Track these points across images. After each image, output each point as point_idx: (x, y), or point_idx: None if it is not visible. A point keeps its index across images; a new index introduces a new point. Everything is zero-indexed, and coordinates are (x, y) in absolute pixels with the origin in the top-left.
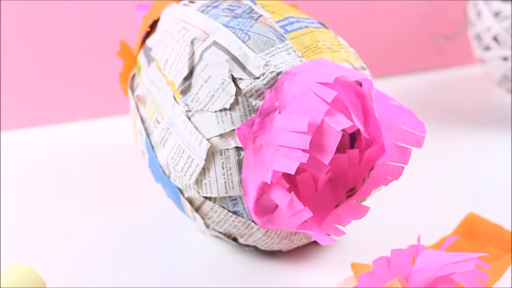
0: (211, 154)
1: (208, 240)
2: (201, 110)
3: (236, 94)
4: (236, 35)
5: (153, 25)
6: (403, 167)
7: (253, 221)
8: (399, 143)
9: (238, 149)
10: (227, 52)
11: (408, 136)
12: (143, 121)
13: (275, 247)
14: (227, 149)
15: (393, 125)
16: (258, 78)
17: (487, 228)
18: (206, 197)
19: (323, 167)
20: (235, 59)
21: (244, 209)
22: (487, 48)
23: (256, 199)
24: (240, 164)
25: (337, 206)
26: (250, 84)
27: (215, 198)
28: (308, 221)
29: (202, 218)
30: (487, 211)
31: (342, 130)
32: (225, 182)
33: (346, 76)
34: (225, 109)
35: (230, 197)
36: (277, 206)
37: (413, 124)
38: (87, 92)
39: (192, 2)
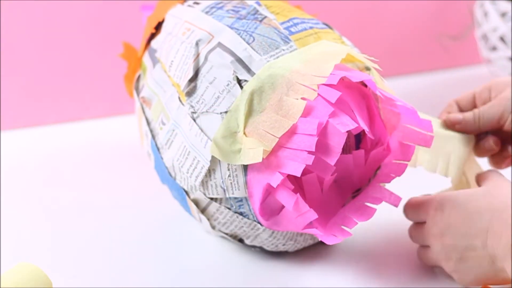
0: None
1: (214, 241)
2: (207, 111)
3: None
4: (241, 37)
5: (158, 26)
6: (406, 164)
7: (259, 222)
8: (407, 142)
9: None
10: (232, 53)
11: (416, 136)
12: (148, 123)
13: (281, 247)
14: None
15: (399, 125)
16: None
17: None
18: (212, 198)
19: (328, 168)
20: (240, 60)
21: (250, 210)
22: (494, 48)
23: (262, 200)
24: (245, 165)
25: (343, 206)
26: None
27: (221, 199)
28: (313, 222)
29: (208, 219)
30: None
31: (347, 131)
32: (230, 183)
33: (351, 77)
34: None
35: (235, 198)
36: (283, 207)
37: (419, 123)
38: (91, 93)
39: (197, 3)
